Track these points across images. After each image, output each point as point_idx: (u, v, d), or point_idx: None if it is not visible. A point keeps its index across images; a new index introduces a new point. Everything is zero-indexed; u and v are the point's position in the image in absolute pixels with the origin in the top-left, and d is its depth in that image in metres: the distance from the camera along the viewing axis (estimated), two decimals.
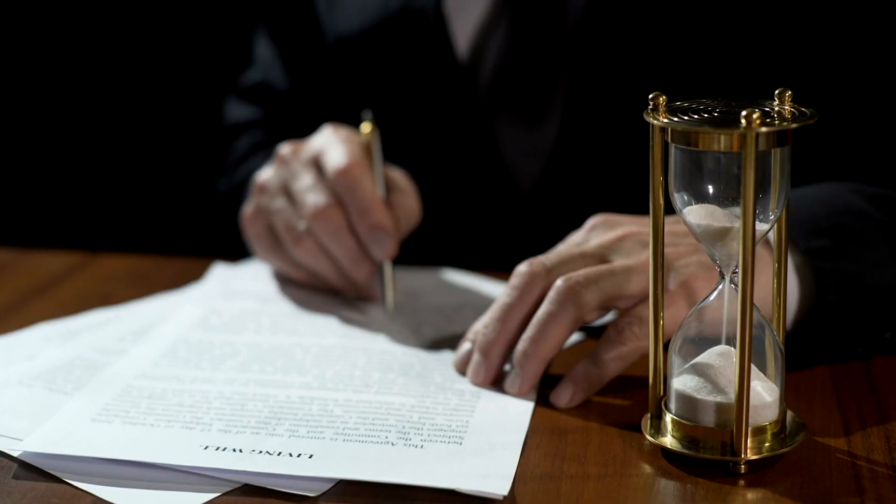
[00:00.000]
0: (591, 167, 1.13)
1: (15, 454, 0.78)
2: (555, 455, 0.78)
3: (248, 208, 1.08)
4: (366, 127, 1.07)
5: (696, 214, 0.76)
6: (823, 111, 0.76)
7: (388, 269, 1.02)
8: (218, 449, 0.78)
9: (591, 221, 0.93)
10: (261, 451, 0.77)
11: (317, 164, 1.04)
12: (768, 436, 0.76)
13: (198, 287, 1.08)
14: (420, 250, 1.22)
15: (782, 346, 0.78)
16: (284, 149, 1.07)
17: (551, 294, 0.86)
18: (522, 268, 0.88)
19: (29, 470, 0.76)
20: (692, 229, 0.77)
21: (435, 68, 1.17)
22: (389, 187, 1.06)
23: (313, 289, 1.07)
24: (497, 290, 1.06)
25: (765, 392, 0.76)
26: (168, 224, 1.77)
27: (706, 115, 0.74)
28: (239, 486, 0.74)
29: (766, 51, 1.07)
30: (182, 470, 0.76)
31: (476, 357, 0.88)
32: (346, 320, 1.01)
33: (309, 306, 1.04)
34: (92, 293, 1.08)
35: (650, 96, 0.75)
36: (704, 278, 0.87)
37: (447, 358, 0.92)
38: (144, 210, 1.78)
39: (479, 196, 1.18)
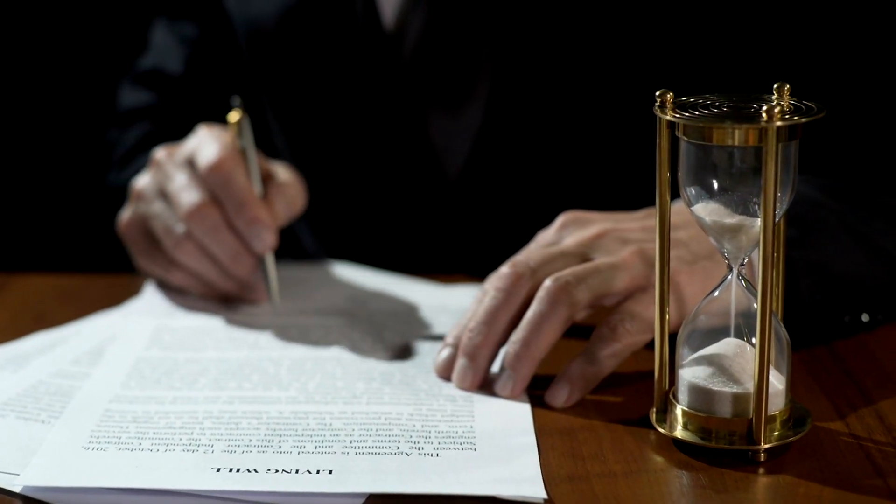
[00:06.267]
0: (520, 151, 1.13)
1: (16, 489, 0.73)
2: (573, 455, 0.77)
3: (124, 216, 1.07)
4: (233, 115, 1.04)
5: (707, 209, 0.76)
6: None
7: (269, 261, 1.01)
8: (231, 470, 0.75)
9: (561, 220, 0.93)
10: (277, 470, 0.75)
11: (191, 164, 1.03)
12: (778, 424, 0.78)
13: (136, 303, 1.04)
14: (346, 237, 1.20)
15: (787, 335, 0.79)
16: (159, 153, 1.05)
17: (541, 294, 0.85)
18: (506, 269, 0.88)
19: None
20: (702, 223, 0.77)
21: (361, 42, 1.14)
22: (266, 177, 1.04)
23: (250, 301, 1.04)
24: (435, 291, 1.06)
25: (776, 381, 0.78)
26: (73, 236, 1.68)
27: (716, 111, 0.75)
28: None
29: (698, 32, 1.07)
30: (202, 495, 0.72)
31: (462, 361, 0.87)
32: (304, 330, 0.98)
33: (261, 318, 1.01)
34: (24, 315, 1.03)
35: (657, 93, 0.76)
36: (687, 273, 0.88)
37: (425, 363, 0.91)
38: (47, 223, 1.69)
39: (405, 181, 1.17)
